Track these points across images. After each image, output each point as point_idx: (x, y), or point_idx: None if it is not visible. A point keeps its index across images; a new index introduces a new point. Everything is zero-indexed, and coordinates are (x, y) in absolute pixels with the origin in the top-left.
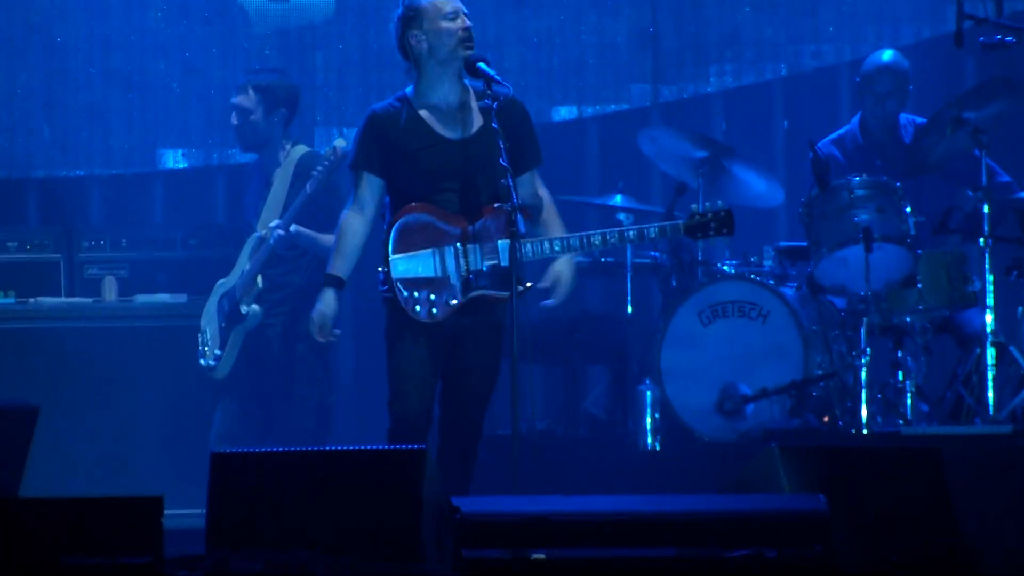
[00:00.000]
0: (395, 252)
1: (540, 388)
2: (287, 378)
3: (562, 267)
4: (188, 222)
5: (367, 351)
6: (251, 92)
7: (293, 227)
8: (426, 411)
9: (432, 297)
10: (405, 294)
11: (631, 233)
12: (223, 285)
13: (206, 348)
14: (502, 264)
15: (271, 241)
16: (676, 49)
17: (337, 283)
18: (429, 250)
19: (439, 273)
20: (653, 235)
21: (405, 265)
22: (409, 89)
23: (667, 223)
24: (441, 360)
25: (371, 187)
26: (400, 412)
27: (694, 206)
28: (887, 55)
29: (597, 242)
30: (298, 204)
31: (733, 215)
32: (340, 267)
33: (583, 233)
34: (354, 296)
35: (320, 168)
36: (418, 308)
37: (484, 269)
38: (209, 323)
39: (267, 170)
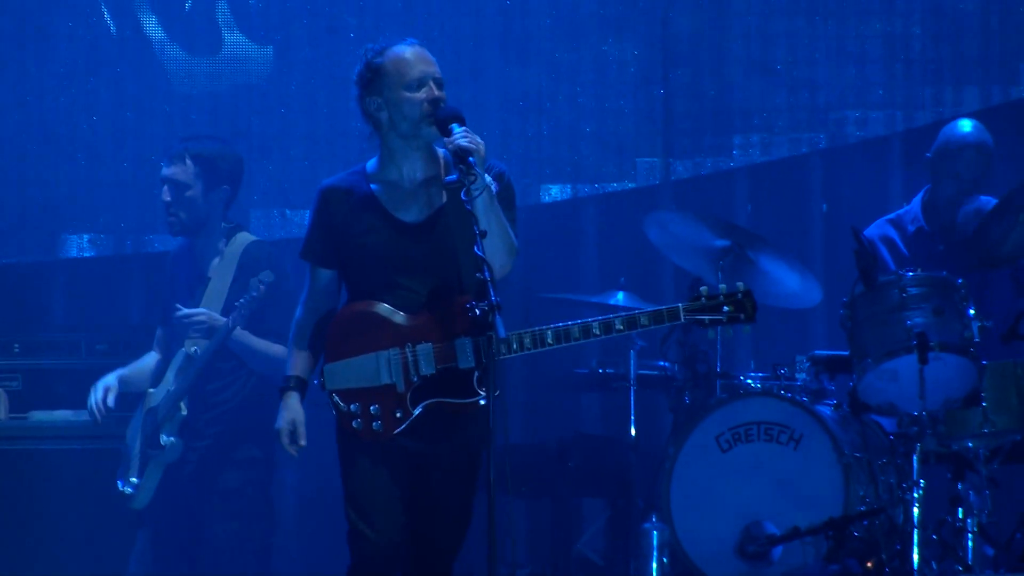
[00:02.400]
0: (329, 359)
1: (524, 525)
2: (220, 513)
3: None
4: (95, 323)
5: (314, 475)
6: (189, 163)
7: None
8: (393, 543)
9: (372, 409)
10: (343, 407)
11: (619, 323)
12: (151, 396)
13: (127, 471)
14: (459, 366)
15: (198, 360)
16: (692, 116)
17: (299, 384)
18: (370, 354)
19: (379, 381)
20: (645, 322)
21: (342, 373)
22: (371, 162)
23: (663, 307)
24: (406, 486)
25: (322, 280)
26: (362, 547)
27: (702, 288)
28: (968, 127)
29: (576, 335)
30: (218, 338)
31: (754, 299)
32: (300, 367)
33: (558, 325)
34: None
35: (243, 302)
36: (356, 423)
37: (437, 373)
38: (133, 440)
39: (201, 260)
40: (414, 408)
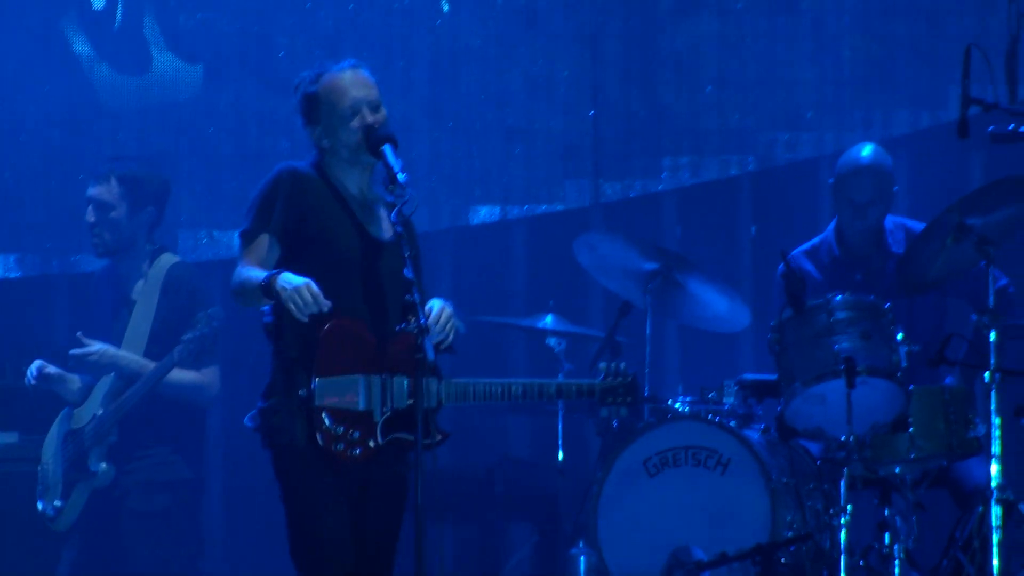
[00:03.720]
0: (322, 372)
1: (451, 549)
2: (146, 535)
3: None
4: (21, 344)
5: (242, 498)
6: (114, 183)
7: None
8: (349, 571)
9: (355, 435)
10: (328, 425)
11: (551, 388)
12: (70, 417)
13: (47, 492)
14: (424, 406)
15: (135, 391)
16: (622, 137)
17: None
18: (362, 375)
19: (364, 406)
20: (572, 394)
21: (335, 390)
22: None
23: (585, 383)
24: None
25: (269, 253)
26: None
27: (602, 364)
28: (866, 151)
29: (518, 393)
30: (159, 370)
31: (638, 385)
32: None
33: (507, 381)
34: (224, 434)
35: (190, 337)
36: (340, 446)
37: (404, 408)
38: (52, 460)
39: (126, 282)
40: (382, 439)
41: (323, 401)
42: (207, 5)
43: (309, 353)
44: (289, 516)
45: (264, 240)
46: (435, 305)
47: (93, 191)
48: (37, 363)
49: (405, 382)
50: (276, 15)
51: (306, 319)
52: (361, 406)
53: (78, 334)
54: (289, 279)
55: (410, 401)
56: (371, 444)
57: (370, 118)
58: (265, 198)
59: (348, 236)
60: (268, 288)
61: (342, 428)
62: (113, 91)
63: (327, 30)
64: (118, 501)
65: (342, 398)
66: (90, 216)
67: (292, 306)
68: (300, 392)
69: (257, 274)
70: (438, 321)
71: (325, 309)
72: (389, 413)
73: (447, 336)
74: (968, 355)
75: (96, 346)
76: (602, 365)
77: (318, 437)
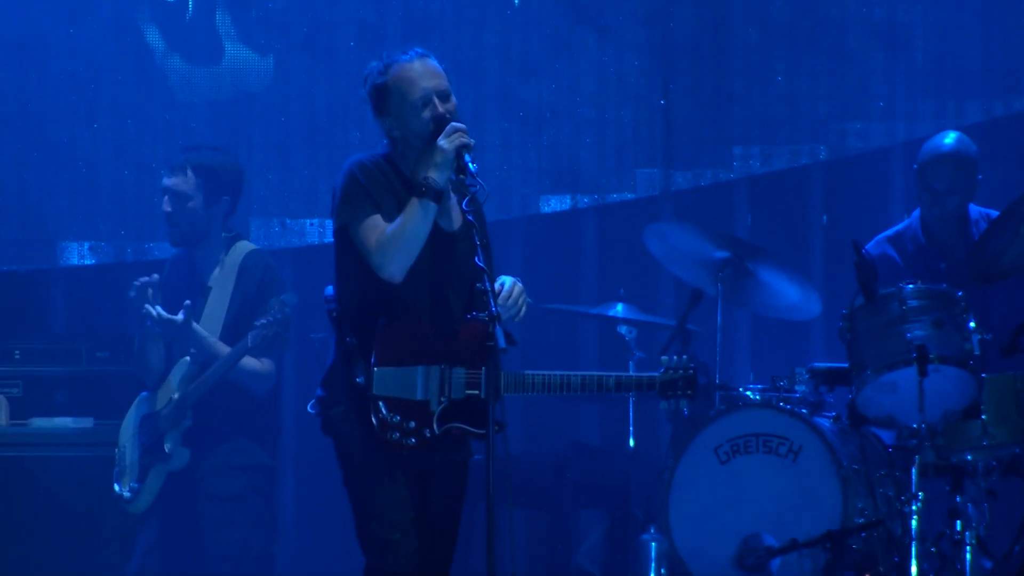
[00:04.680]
0: (380, 363)
1: (522, 537)
2: (222, 519)
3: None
4: (95, 331)
5: (315, 482)
6: (190, 174)
7: (182, 315)
8: (415, 555)
9: (411, 424)
10: (385, 414)
11: (610, 381)
12: (147, 401)
13: (124, 475)
14: (482, 396)
15: (210, 374)
16: (692, 126)
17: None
18: (419, 367)
19: (421, 396)
20: (631, 386)
21: (392, 380)
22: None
23: (644, 376)
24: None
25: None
26: (396, 557)
27: (664, 357)
28: (949, 139)
29: (576, 385)
30: (233, 355)
31: (696, 378)
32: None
33: (566, 373)
34: (296, 424)
35: (264, 323)
36: (396, 435)
37: (462, 398)
38: (129, 443)
39: (201, 270)
40: (439, 429)
41: (380, 390)
42: None
43: (368, 343)
44: (353, 501)
45: (376, 218)
46: (506, 282)
47: (169, 181)
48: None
49: (463, 372)
50: (346, 5)
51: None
52: (419, 396)
53: (156, 308)
54: (432, 160)
55: (468, 392)
56: (427, 434)
57: (441, 108)
58: (350, 189)
59: None
60: (427, 188)
61: (398, 417)
62: (185, 82)
63: (397, 20)
64: (194, 485)
65: (399, 388)
66: (167, 206)
67: (450, 141)
68: (358, 380)
69: (408, 208)
70: (510, 296)
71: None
72: (446, 403)
73: (519, 311)
74: None
75: (180, 314)
76: (664, 359)
77: (374, 425)
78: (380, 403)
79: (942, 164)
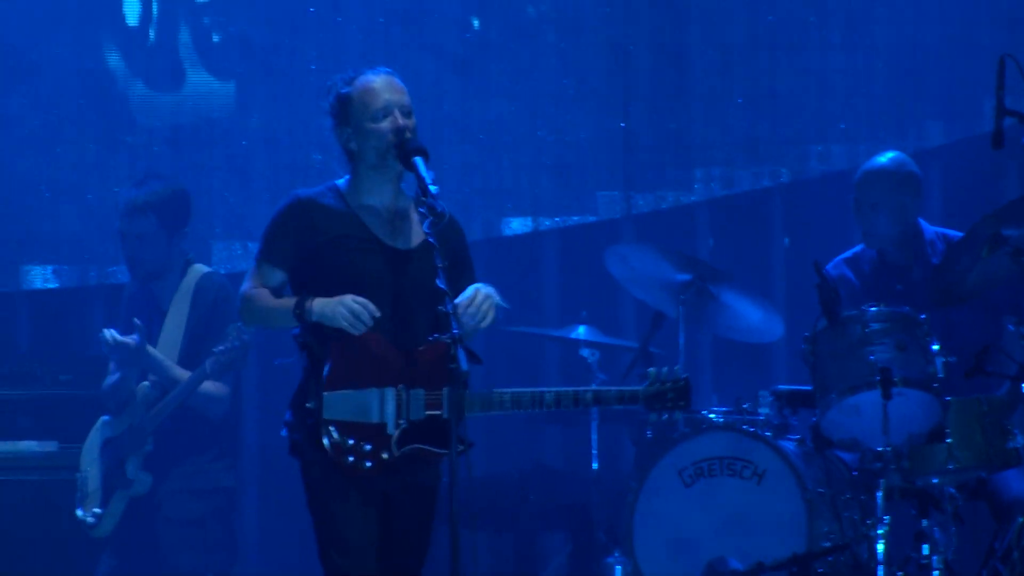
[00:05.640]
0: (330, 386)
1: (485, 559)
2: (182, 543)
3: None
4: (59, 353)
5: (276, 505)
6: (151, 216)
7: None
8: None
9: (367, 447)
10: (337, 438)
11: (588, 395)
12: (108, 425)
13: (86, 500)
14: (445, 416)
15: (170, 400)
16: (653, 149)
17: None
18: (372, 389)
19: (377, 419)
20: (611, 400)
21: (343, 404)
22: (341, 181)
23: (627, 389)
24: (377, 521)
25: (274, 283)
26: None
27: (652, 370)
28: (885, 157)
29: (550, 401)
30: (192, 381)
31: (689, 387)
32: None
33: (537, 389)
34: (259, 442)
35: (221, 349)
36: (350, 459)
37: (423, 419)
38: (91, 468)
39: (159, 297)
40: (398, 451)
41: (330, 414)
42: (238, 20)
43: (322, 367)
44: (314, 524)
45: (266, 270)
46: (470, 289)
47: (130, 227)
48: (109, 331)
49: (423, 393)
50: (307, 29)
51: (366, 326)
52: (373, 419)
53: (110, 332)
54: (325, 301)
55: (429, 412)
56: (384, 456)
57: (401, 121)
58: (272, 230)
59: (368, 253)
60: (302, 313)
61: (352, 440)
62: (147, 106)
63: (357, 43)
64: (155, 508)
65: (352, 411)
66: (130, 248)
67: (345, 323)
68: (308, 405)
69: (282, 302)
70: (471, 303)
71: (377, 313)
72: (405, 424)
73: (483, 317)
74: (1004, 366)
75: (133, 336)
76: (651, 371)
77: (327, 449)
78: (331, 427)
79: (870, 180)
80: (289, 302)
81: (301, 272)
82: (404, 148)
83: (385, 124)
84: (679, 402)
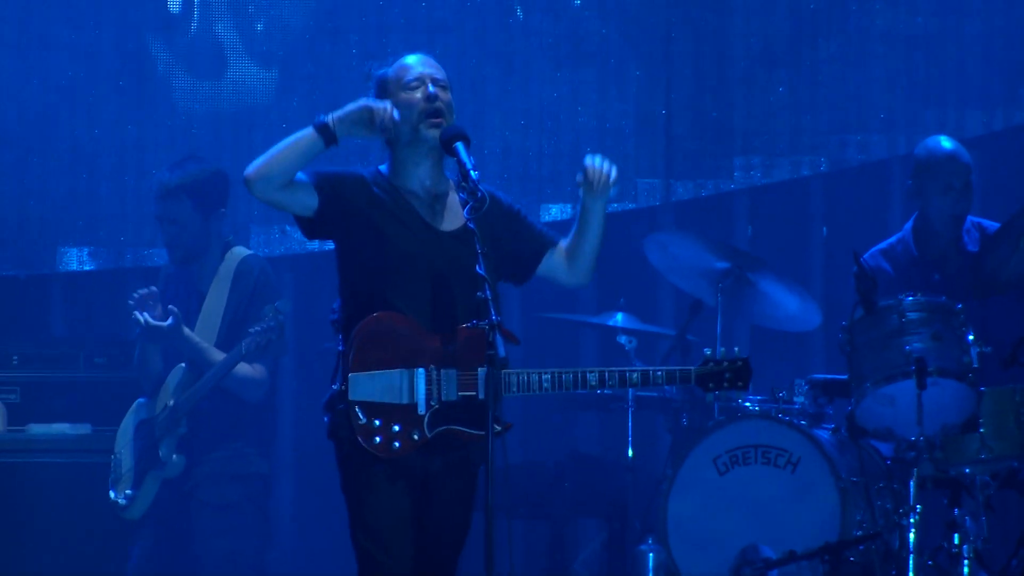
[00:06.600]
0: (356, 367)
1: (520, 546)
2: (216, 527)
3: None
4: (94, 336)
5: (311, 490)
6: (185, 199)
7: (171, 321)
8: (407, 569)
9: (395, 428)
10: (363, 420)
11: (635, 376)
12: (144, 407)
13: (119, 481)
14: (479, 397)
15: (205, 381)
16: (693, 137)
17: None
18: (398, 370)
19: (406, 399)
20: (660, 380)
21: (368, 385)
22: (383, 166)
23: (676, 368)
24: (412, 505)
25: (302, 188)
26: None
27: (707, 351)
28: (947, 141)
29: (593, 382)
30: (227, 362)
31: (751, 368)
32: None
33: (579, 369)
34: (295, 429)
35: (257, 330)
36: (377, 439)
37: (457, 400)
38: (125, 450)
39: (199, 279)
40: (430, 432)
41: (356, 396)
42: (280, 5)
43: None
44: (347, 505)
45: (302, 181)
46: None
47: (165, 210)
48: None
49: (456, 374)
50: (348, 12)
51: (372, 131)
52: (403, 400)
53: (143, 315)
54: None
55: (463, 393)
56: (415, 437)
57: (432, 89)
58: (330, 168)
59: (408, 230)
60: (319, 124)
61: (379, 422)
62: (188, 91)
63: (399, 26)
64: (190, 492)
65: (379, 392)
66: (167, 233)
67: (365, 110)
68: (333, 386)
69: (296, 135)
70: (599, 162)
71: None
72: (437, 406)
73: (610, 174)
74: None
75: (168, 320)
76: (707, 351)
77: (354, 430)
78: (357, 408)
79: (955, 161)
80: (304, 130)
81: (343, 244)
82: (442, 136)
83: (418, 93)
84: (737, 382)
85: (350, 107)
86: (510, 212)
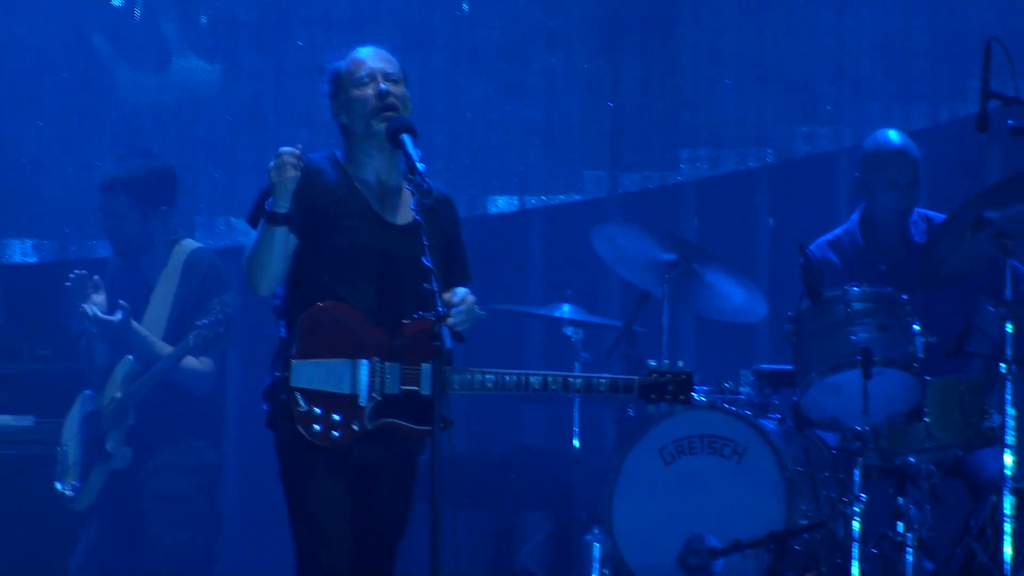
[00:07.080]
0: (300, 355)
1: (465, 537)
2: (168, 519)
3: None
4: (38, 328)
5: (259, 481)
6: (121, 194)
7: (120, 315)
8: (346, 560)
9: (335, 417)
10: (303, 407)
11: (578, 382)
12: (89, 399)
13: (66, 473)
14: (422, 392)
15: (152, 373)
16: (640, 129)
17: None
18: (343, 360)
19: (348, 389)
20: (603, 388)
21: (311, 372)
22: (339, 151)
23: (620, 377)
24: (351, 495)
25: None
26: (318, 568)
27: (652, 362)
28: (895, 135)
29: (536, 385)
30: (175, 355)
31: (693, 382)
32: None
33: (522, 372)
34: (240, 421)
35: (205, 323)
36: (317, 427)
37: (399, 394)
38: (71, 441)
39: (147, 273)
40: (371, 424)
41: (298, 382)
42: None
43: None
44: (286, 496)
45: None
46: (460, 291)
47: (104, 202)
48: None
49: (399, 368)
50: (295, 5)
51: (296, 172)
52: (344, 389)
53: (91, 308)
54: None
55: (405, 387)
56: (355, 428)
57: (383, 85)
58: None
59: (360, 221)
60: (260, 213)
61: (319, 410)
62: (131, 86)
63: (346, 20)
64: (138, 484)
65: (321, 380)
66: (106, 224)
67: (276, 172)
68: (276, 373)
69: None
70: (463, 301)
71: (298, 150)
72: (380, 398)
73: (463, 323)
74: (984, 346)
75: (117, 314)
76: (651, 363)
77: (293, 417)
78: (298, 395)
79: (901, 156)
80: (261, 225)
81: (294, 232)
82: (389, 128)
83: (368, 90)
84: (679, 395)
85: (271, 186)
86: (455, 229)
